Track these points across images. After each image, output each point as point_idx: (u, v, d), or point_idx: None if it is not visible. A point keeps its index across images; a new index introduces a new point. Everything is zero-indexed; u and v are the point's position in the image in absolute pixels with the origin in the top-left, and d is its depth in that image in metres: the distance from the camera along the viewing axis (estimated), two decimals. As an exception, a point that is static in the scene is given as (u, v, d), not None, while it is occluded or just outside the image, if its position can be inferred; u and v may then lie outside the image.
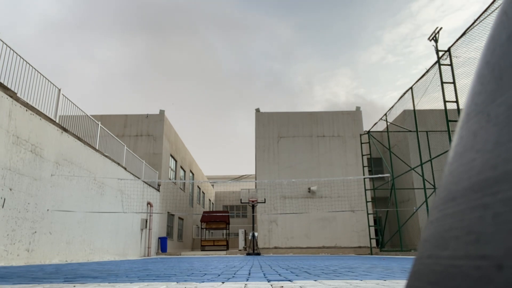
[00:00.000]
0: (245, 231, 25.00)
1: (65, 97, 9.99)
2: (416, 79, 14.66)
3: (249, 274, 3.15)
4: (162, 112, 22.10)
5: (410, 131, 18.15)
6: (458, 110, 11.56)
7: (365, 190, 19.81)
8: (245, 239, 25.00)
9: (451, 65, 11.79)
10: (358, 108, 22.87)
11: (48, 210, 8.59)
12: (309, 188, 20.98)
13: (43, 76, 8.82)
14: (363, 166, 20.92)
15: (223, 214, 27.69)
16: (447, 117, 11.79)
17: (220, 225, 26.68)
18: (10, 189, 7.23)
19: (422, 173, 15.02)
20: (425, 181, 15.01)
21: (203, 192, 35.55)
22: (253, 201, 19.17)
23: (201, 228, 27.47)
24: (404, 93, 15.94)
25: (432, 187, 15.82)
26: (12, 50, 7.59)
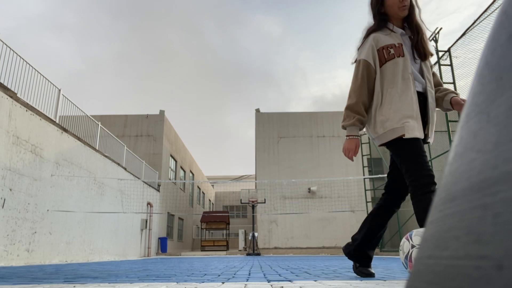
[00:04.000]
0: (245, 231, 24.99)
1: (65, 97, 9.99)
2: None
3: (249, 274, 3.15)
4: (162, 112, 22.10)
5: (410, 131, 18.11)
6: (458, 110, 11.54)
7: (365, 190, 19.81)
8: (245, 240, 24.99)
9: (451, 65, 11.79)
10: (358, 108, 22.86)
11: (48, 210, 8.59)
12: (309, 188, 20.98)
13: (43, 76, 8.82)
14: (363, 166, 20.93)
15: (223, 214, 27.69)
16: (447, 117, 11.79)
17: (220, 225, 26.67)
18: (10, 190, 7.23)
19: (422, 173, 14.98)
20: (425, 181, 14.99)
21: (203, 192, 35.55)
22: (253, 201, 19.17)
23: (201, 228, 27.47)
24: (404, 93, 15.92)
25: (432, 187, 15.80)
26: (12, 50, 7.60)
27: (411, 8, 2.44)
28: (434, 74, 2.58)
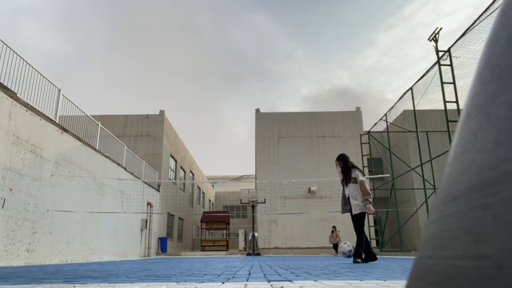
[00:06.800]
0: (245, 231, 24.99)
1: (65, 97, 9.99)
2: (413, 80, 14.68)
3: (249, 274, 3.15)
4: (162, 112, 22.10)
5: (410, 131, 18.15)
6: (458, 110, 11.56)
7: (365, 190, 19.78)
8: (245, 240, 24.99)
9: (451, 65, 11.79)
10: (358, 108, 22.87)
11: (48, 210, 8.59)
12: (309, 188, 20.98)
13: (43, 76, 8.82)
14: (363, 166, 20.92)
15: (223, 214, 27.69)
16: (447, 118, 11.79)
17: (220, 225, 26.67)
18: (10, 190, 7.23)
19: (422, 173, 15.01)
20: (425, 181, 15.01)
21: (203, 192, 35.55)
22: (253, 201, 19.17)
23: (201, 228, 27.47)
24: (404, 93, 15.94)
25: (432, 187, 15.81)
26: (12, 50, 7.60)
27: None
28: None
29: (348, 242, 6.28)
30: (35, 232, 8.09)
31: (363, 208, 5.98)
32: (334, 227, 17.40)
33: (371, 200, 6.01)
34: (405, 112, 19.84)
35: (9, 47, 7.50)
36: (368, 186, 6.10)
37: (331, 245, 17.59)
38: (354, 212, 6.01)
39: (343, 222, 20.42)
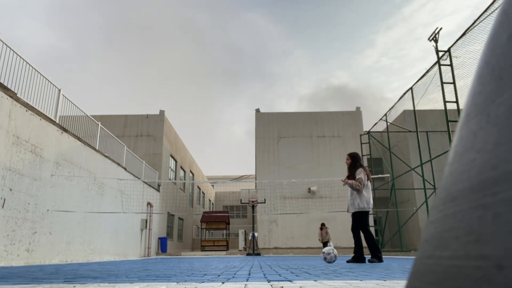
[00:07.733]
0: (245, 231, 24.99)
1: (65, 97, 9.99)
2: (412, 80, 14.68)
3: (249, 274, 3.15)
4: (162, 112, 22.10)
5: (410, 131, 18.15)
6: (458, 110, 11.56)
7: (365, 190, 19.78)
8: (245, 240, 24.99)
9: (451, 65, 11.79)
10: (358, 108, 22.87)
11: (48, 210, 8.59)
12: (309, 188, 20.97)
13: (43, 76, 8.82)
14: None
15: (223, 214, 27.69)
16: (447, 118, 11.79)
17: (220, 225, 26.67)
18: (10, 190, 7.23)
19: (422, 173, 15.01)
20: (425, 181, 15.01)
21: (203, 192, 35.54)
22: (253, 201, 19.17)
23: (201, 228, 27.47)
24: (404, 93, 15.95)
25: (432, 187, 15.81)
26: (12, 50, 7.60)
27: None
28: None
29: (335, 250, 5.44)
30: (35, 232, 8.09)
31: (358, 207, 5.98)
32: (323, 224, 17.01)
33: (355, 186, 6.00)
34: (405, 112, 19.84)
35: (9, 47, 7.50)
36: (363, 184, 6.07)
37: (321, 244, 16.99)
38: (350, 210, 6.11)
39: (343, 222, 20.42)
